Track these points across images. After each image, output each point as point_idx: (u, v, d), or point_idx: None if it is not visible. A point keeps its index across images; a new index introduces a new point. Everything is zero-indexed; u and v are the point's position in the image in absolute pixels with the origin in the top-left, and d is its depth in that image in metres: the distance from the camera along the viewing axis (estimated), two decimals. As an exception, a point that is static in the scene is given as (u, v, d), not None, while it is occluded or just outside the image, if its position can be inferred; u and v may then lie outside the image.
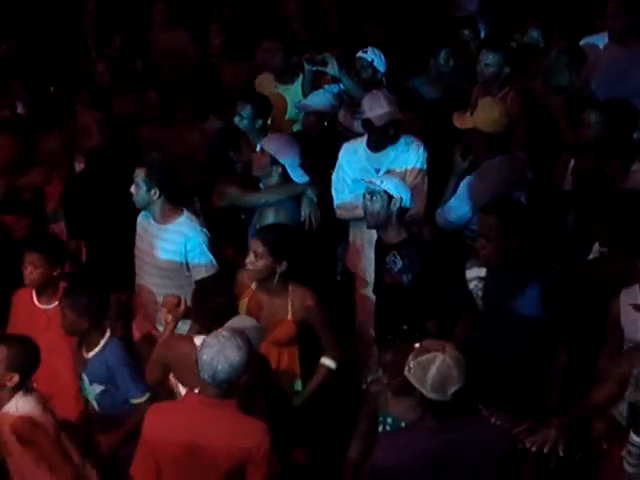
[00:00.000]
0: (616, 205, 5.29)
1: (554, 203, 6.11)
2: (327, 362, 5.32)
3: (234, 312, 4.93)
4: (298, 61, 7.36)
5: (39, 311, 5.42)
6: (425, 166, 6.05)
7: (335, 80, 7.02)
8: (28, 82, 7.49)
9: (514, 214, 4.91)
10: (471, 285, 5.06)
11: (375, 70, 6.95)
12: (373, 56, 6.96)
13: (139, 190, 5.54)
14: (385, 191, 5.37)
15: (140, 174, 5.52)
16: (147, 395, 5.02)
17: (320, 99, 6.84)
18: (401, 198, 5.37)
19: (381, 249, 5.52)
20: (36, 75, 7.65)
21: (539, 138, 6.57)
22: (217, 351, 4.21)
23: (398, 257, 5.36)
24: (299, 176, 6.06)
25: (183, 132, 6.97)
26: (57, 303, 5.28)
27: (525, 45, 7.54)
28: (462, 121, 5.95)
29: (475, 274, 5.04)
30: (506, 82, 6.72)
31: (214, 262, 5.60)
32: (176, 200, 5.63)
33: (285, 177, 6.03)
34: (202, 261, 5.58)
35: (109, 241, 6.19)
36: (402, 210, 5.40)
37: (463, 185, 5.91)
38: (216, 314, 4.82)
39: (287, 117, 7.28)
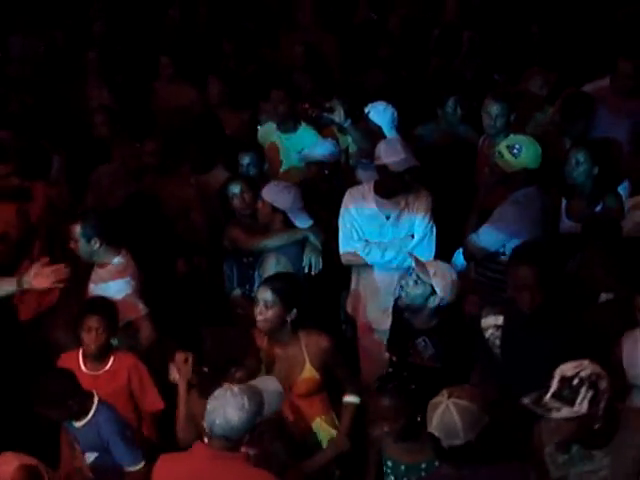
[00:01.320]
0: (621, 251, 5.30)
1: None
2: (352, 399, 5.26)
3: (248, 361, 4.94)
4: (301, 110, 7.43)
5: (86, 377, 5.28)
6: (432, 214, 6.06)
7: (342, 130, 7.08)
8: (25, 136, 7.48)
9: (548, 262, 4.86)
10: (487, 334, 4.98)
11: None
12: (371, 108, 7.03)
13: (79, 244, 5.73)
14: (431, 285, 5.26)
15: (77, 229, 5.72)
16: (142, 463, 4.92)
17: (321, 148, 6.88)
18: (442, 298, 5.25)
19: (408, 329, 5.37)
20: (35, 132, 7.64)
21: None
22: (219, 405, 4.23)
23: (429, 344, 5.24)
24: (302, 221, 6.11)
25: (178, 187, 6.97)
26: (105, 369, 5.34)
27: (527, 92, 7.56)
28: (508, 166, 5.92)
29: (492, 322, 4.97)
30: (512, 129, 6.67)
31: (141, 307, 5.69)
32: (116, 245, 5.79)
33: (287, 223, 6.08)
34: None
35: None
36: (439, 306, 5.28)
37: (497, 212, 5.90)
38: (226, 364, 4.83)
39: (290, 166, 7.32)
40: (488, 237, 5.87)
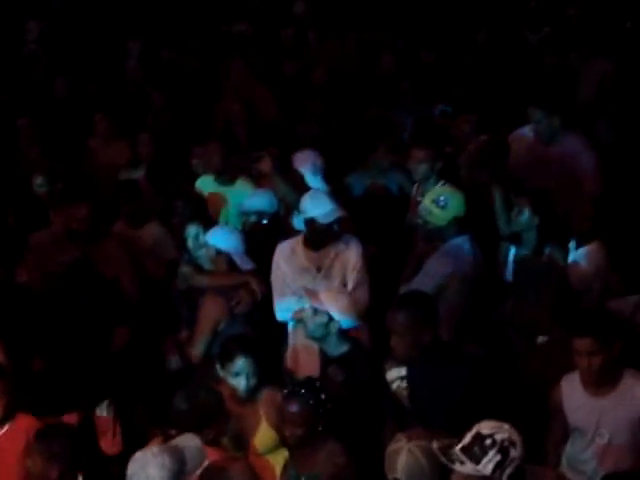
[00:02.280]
0: (555, 292, 5.36)
1: (495, 290, 6.17)
2: None
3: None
4: (237, 162, 7.44)
5: None
6: (364, 262, 6.04)
7: None
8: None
9: (422, 308, 4.90)
10: (394, 386, 5.05)
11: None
12: (294, 157, 7.07)
13: None
14: (328, 313, 5.39)
15: None
16: None
17: (257, 200, 6.88)
18: (340, 322, 5.39)
19: (323, 359, 5.50)
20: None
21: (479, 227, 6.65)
22: (140, 467, 4.22)
23: (339, 371, 5.28)
24: (246, 263, 6.15)
25: (109, 250, 6.87)
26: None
27: (455, 137, 7.65)
28: (439, 220, 5.96)
29: (395, 375, 5.04)
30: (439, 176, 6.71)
31: None
32: None
33: (233, 265, 6.15)
34: None
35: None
36: (343, 330, 5.43)
37: (427, 265, 5.96)
38: (197, 425, 4.74)
39: (229, 217, 7.31)
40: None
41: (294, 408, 4.77)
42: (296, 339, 6.08)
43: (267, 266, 6.28)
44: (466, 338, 5.58)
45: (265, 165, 7.02)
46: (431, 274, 5.91)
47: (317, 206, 5.96)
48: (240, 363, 5.19)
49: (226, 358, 5.27)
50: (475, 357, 4.93)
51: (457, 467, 3.94)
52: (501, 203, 6.38)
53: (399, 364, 4.98)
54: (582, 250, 6.04)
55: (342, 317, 5.41)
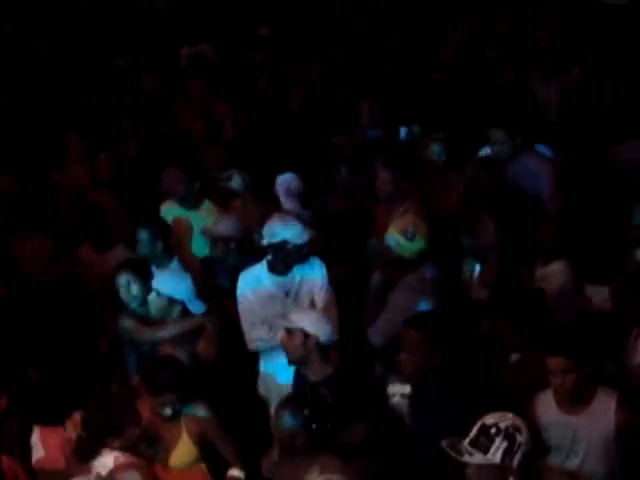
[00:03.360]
0: (525, 311, 5.37)
1: (468, 310, 6.18)
2: (236, 473, 5.26)
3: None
4: (201, 187, 7.40)
5: None
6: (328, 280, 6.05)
7: None
8: None
9: (434, 328, 4.95)
10: (393, 400, 5.07)
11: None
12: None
13: None
14: (302, 329, 5.30)
15: None
16: None
17: (223, 225, 6.84)
18: (319, 335, 5.30)
19: (305, 385, 5.38)
20: None
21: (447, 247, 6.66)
22: None
23: (328, 393, 5.21)
24: (197, 307, 6.08)
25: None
26: None
27: (426, 159, 7.67)
28: (408, 252, 5.94)
29: (398, 390, 5.06)
30: (405, 196, 6.72)
31: None
32: None
33: (185, 312, 6.05)
34: None
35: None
36: (323, 346, 5.34)
37: (392, 301, 5.91)
38: (104, 433, 4.89)
39: (195, 243, 7.26)
40: (385, 329, 5.84)
41: (286, 421, 4.78)
42: (267, 365, 6.06)
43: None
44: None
45: (236, 184, 6.98)
46: (398, 310, 5.82)
47: (288, 228, 5.97)
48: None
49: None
50: (483, 384, 4.92)
51: (467, 459, 4.08)
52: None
53: (403, 381, 4.99)
54: (548, 268, 6.08)
55: (318, 332, 5.32)
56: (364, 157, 7.63)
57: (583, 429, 4.79)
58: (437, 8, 10.98)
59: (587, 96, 8.63)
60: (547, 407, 4.89)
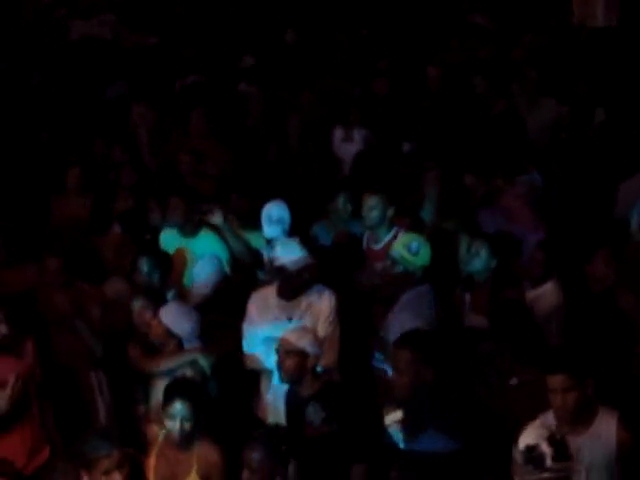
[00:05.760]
0: (524, 333, 5.42)
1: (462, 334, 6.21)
2: None
3: None
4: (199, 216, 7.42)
5: None
6: (336, 314, 6.03)
7: None
8: None
9: (425, 346, 4.98)
10: (390, 430, 5.07)
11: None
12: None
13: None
14: (302, 350, 5.37)
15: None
16: None
17: (203, 268, 6.92)
18: (316, 356, 5.39)
19: (297, 402, 5.45)
20: None
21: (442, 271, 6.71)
22: None
23: (319, 407, 5.28)
24: (193, 342, 6.03)
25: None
26: None
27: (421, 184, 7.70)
28: (410, 266, 6.01)
29: (392, 419, 5.06)
30: (392, 222, 6.68)
31: None
32: None
33: (180, 347, 6.01)
34: None
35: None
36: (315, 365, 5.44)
37: (391, 321, 5.96)
38: None
39: (188, 272, 7.25)
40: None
41: (253, 455, 4.76)
42: (266, 389, 6.06)
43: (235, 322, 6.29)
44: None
45: (216, 219, 7.01)
46: (397, 328, 5.83)
47: (287, 252, 5.99)
48: (177, 406, 5.20)
49: (165, 400, 5.30)
50: (473, 401, 4.96)
51: None
52: (466, 249, 6.44)
53: (396, 407, 4.99)
54: (539, 290, 6.14)
55: (317, 353, 5.40)
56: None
57: (585, 450, 4.75)
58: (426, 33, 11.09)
59: (577, 122, 8.72)
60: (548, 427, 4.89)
